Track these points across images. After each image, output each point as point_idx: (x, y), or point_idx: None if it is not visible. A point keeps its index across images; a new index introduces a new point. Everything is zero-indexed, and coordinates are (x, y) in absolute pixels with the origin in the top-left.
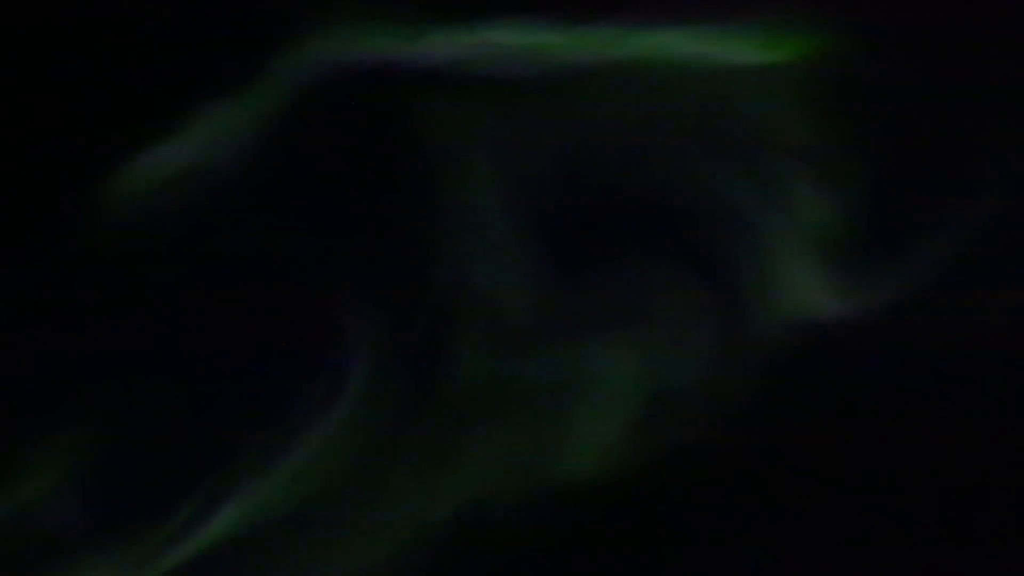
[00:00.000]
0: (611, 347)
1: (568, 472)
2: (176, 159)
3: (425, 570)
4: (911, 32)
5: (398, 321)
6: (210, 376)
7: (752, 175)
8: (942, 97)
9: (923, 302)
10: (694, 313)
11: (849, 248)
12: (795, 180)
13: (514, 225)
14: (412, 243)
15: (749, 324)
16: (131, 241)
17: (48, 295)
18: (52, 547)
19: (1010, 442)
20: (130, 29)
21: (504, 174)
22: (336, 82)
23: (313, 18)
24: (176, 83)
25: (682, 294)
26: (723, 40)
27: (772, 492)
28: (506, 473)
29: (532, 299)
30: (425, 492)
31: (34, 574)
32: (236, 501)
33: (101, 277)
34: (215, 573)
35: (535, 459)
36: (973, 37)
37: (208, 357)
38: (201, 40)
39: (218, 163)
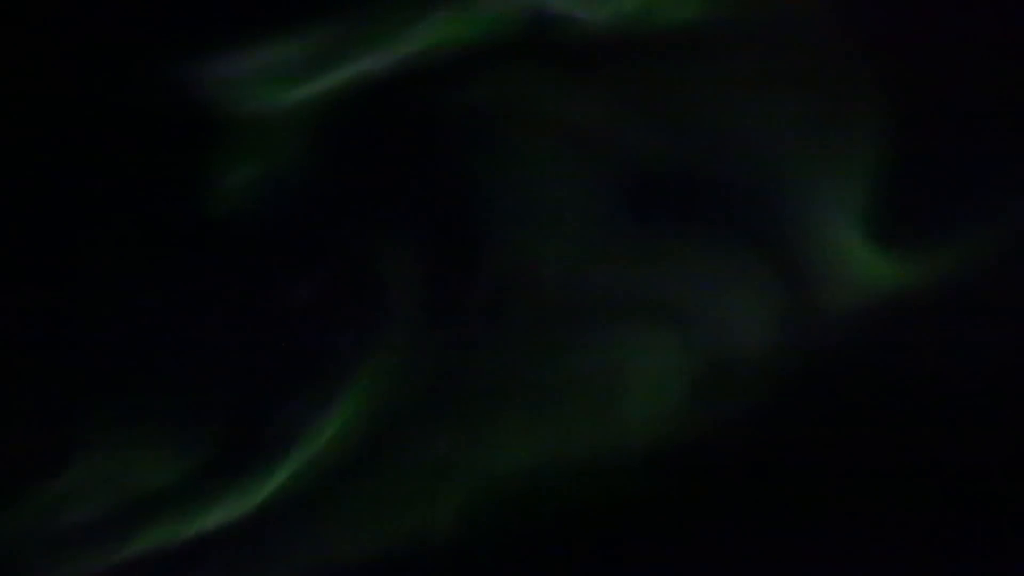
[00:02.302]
0: (664, 320)
1: (619, 444)
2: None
3: (473, 534)
4: None
5: (449, 293)
6: (269, 342)
7: (807, 145)
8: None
9: (979, 274)
10: (748, 286)
11: (902, 219)
12: (850, 150)
13: (571, 200)
14: (465, 219)
15: (803, 297)
16: (212, 226)
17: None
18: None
19: None
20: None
21: (558, 149)
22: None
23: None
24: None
25: (736, 267)
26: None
27: (827, 466)
28: (557, 443)
29: (588, 269)
30: (472, 460)
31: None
32: (292, 455)
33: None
34: (284, 521)
35: (586, 430)
36: None
37: (266, 327)
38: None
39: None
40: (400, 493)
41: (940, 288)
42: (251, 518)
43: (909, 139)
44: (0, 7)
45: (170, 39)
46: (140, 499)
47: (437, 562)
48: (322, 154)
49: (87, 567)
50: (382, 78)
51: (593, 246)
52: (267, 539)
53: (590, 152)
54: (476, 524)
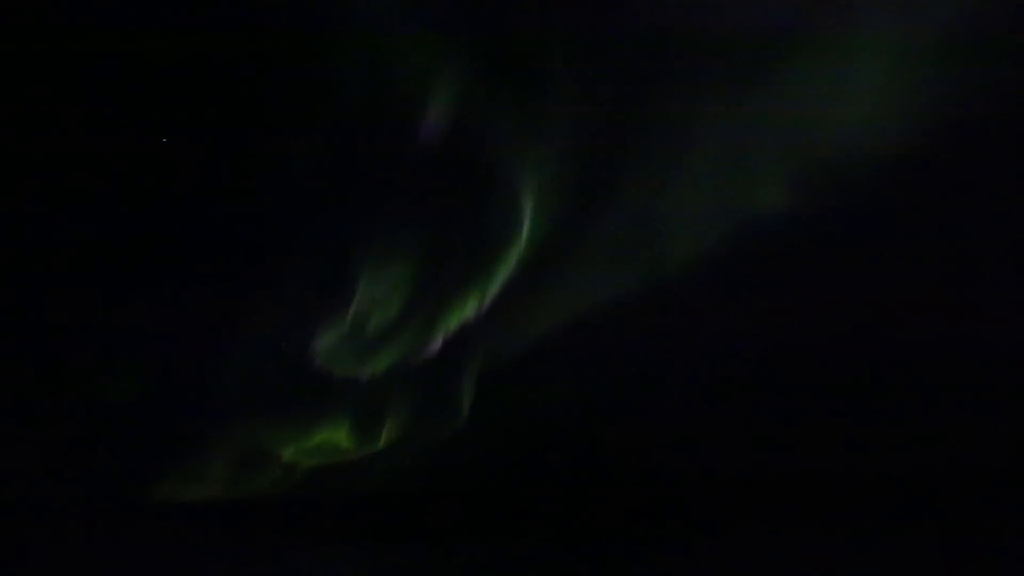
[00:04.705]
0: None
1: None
2: None
3: (699, 276)
4: None
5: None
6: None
7: None
8: None
9: None
10: None
11: None
12: None
13: None
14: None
15: None
16: None
17: None
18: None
19: None
20: None
21: None
22: None
23: None
24: None
25: None
26: None
27: None
28: (760, 181)
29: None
30: (675, 211)
31: None
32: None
33: None
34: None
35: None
36: None
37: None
38: None
39: None
40: (614, 251)
41: None
42: (497, 301)
43: None
44: None
45: None
46: (413, 305)
47: (669, 303)
48: None
49: (388, 361)
50: None
51: None
52: (515, 312)
53: None
54: (701, 266)
